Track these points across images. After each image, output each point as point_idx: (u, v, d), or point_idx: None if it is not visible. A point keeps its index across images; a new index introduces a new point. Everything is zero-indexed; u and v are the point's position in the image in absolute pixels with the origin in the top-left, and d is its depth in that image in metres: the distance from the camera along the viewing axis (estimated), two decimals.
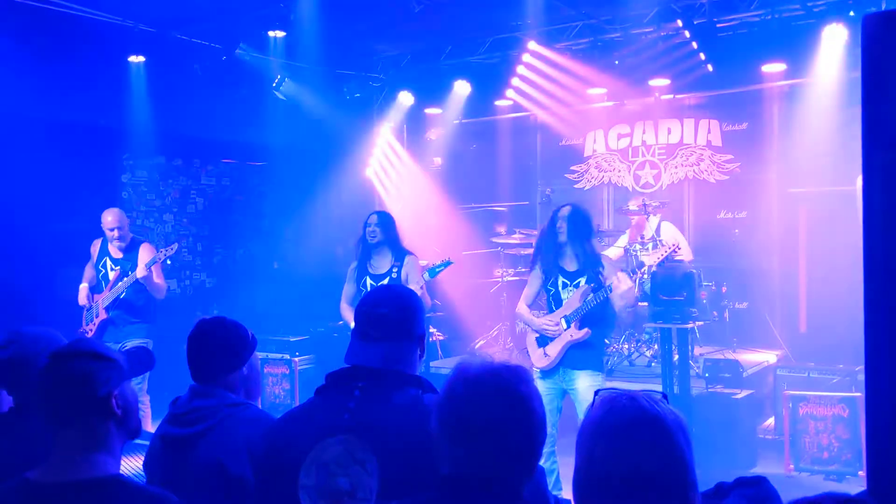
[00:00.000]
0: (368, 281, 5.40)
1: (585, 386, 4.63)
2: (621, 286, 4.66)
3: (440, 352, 8.44)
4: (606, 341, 5.36)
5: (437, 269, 5.61)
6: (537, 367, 4.91)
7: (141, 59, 7.69)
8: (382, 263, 5.44)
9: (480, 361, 1.66)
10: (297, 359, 7.45)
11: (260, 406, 2.61)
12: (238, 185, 9.65)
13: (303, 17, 7.16)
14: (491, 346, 8.38)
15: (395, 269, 5.38)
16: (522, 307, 5.06)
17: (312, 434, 1.93)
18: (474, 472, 1.59)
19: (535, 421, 1.62)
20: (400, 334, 2.07)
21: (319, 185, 9.14)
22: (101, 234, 6.08)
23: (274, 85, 8.37)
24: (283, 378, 7.47)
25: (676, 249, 4.77)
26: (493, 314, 8.53)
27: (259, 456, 2.08)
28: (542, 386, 4.83)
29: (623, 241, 7.59)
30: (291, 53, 8.02)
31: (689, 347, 6.42)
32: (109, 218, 5.95)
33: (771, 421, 6.52)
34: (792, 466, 5.41)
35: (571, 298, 4.79)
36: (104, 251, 6.03)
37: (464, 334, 8.70)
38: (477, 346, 8.36)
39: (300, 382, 7.27)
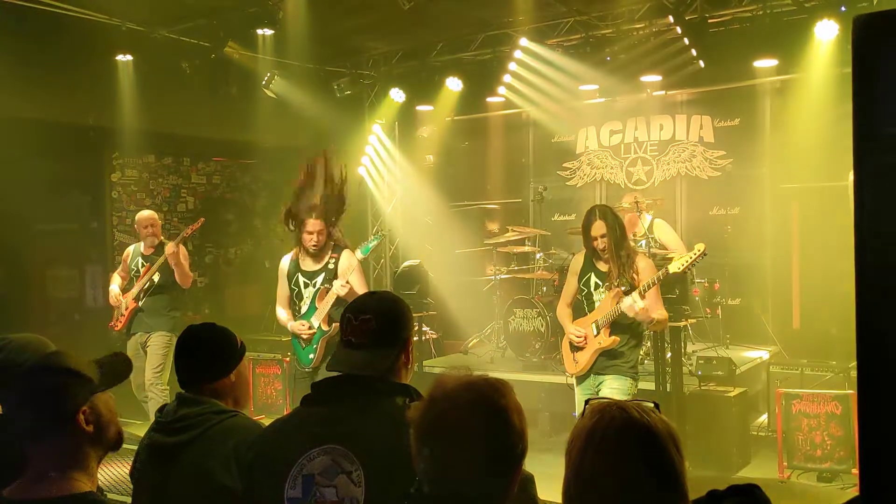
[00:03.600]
0: (301, 279, 5.15)
1: (612, 391, 4.45)
2: (630, 310, 4.39)
3: (433, 350, 8.41)
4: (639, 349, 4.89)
5: (370, 246, 5.27)
6: (571, 374, 4.79)
7: (129, 57, 7.63)
8: (314, 261, 5.15)
9: (459, 375, 1.63)
10: (288, 359, 7.38)
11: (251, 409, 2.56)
12: (229, 183, 9.61)
13: (292, 14, 7.10)
14: (484, 344, 8.34)
15: (331, 262, 5.09)
16: (562, 309, 4.87)
17: (299, 445, 1.91)
18: (452, 489, 1.56)
19: (513, 434, 1.59)
20: (383, 341, 2.05)
21: None
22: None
23: (264, 83, 8.31)
24: (274, 378, 7.44)
25: (704, 254, 4.50)
26: (486, 312, 8.49)
27: (245, 466, 2.06)
28: (576, 394, 4.75)
29: None
30: (281, 51, 7.96)
31: (682, 345, 6.42)
32: (145, 215, 6.34)
33: (764, 418, 6.52)
34: (785, 464, 5.40)
35: (603, 302, 4.59)
36: (136, 253, 6.37)
37: (457, 333, 8.67)
38: (470, 345, 8.33)
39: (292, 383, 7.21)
